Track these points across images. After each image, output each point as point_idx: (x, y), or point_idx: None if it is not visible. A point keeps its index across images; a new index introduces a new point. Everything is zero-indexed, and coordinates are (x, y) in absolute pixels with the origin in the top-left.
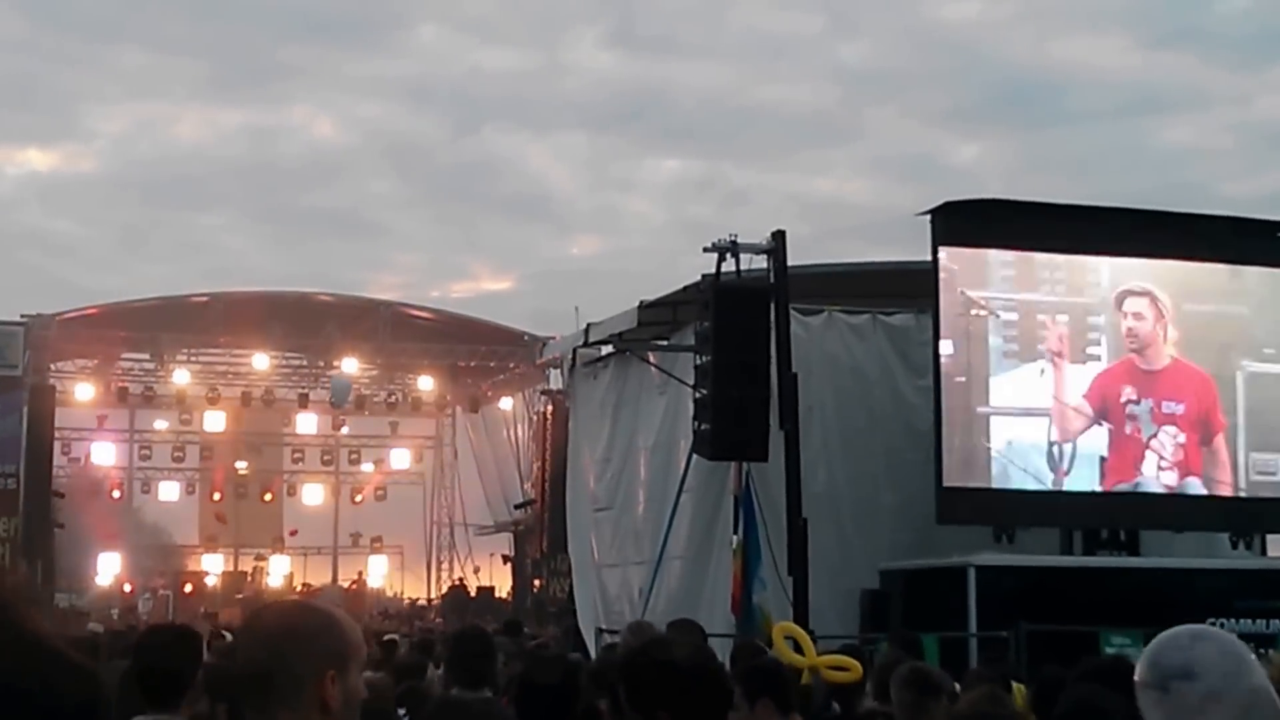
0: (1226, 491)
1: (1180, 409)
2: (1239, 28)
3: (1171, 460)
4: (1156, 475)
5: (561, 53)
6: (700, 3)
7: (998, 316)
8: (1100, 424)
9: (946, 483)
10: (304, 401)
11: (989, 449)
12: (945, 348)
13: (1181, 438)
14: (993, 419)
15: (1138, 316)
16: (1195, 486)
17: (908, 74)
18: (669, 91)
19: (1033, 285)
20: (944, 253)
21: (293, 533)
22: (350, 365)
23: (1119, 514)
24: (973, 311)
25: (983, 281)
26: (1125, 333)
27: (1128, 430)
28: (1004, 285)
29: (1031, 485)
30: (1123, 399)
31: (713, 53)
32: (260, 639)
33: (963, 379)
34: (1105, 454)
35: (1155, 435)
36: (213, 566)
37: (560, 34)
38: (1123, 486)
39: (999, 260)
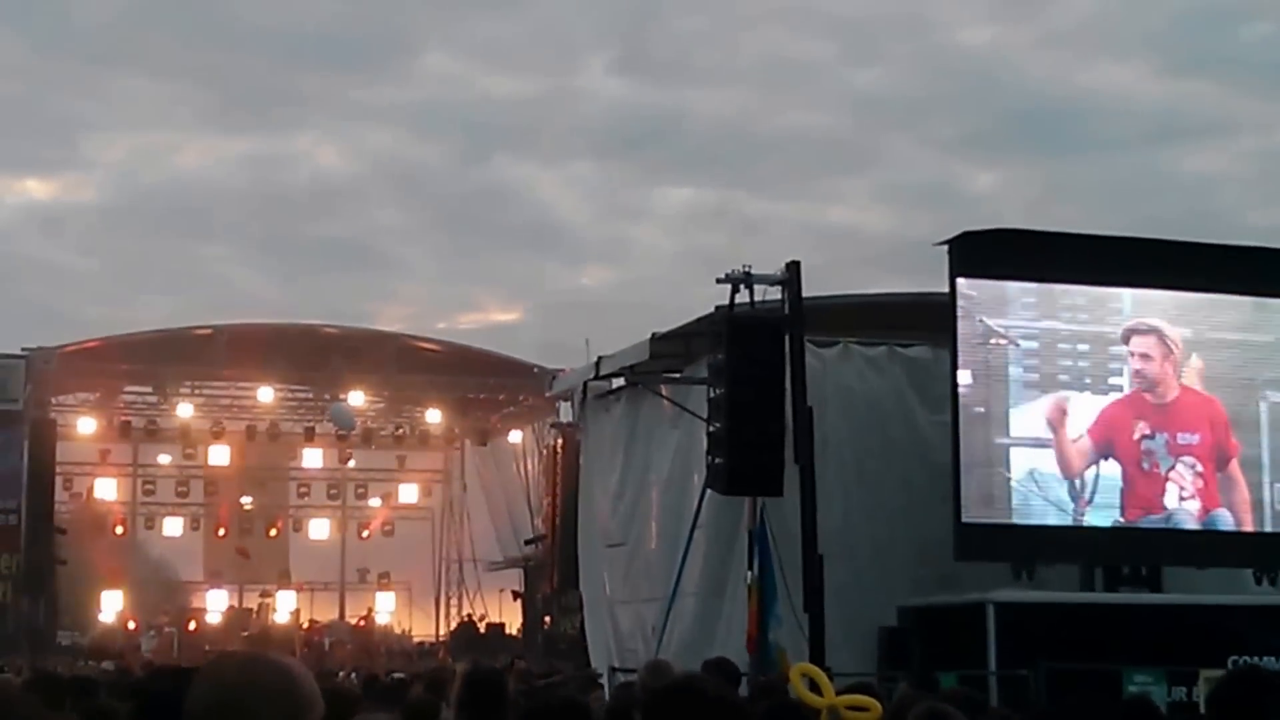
0: (1248, 516)
1: (1195, 439)
2: (1263, 55)
3: (1193, 490)
4: (1179, 506)
5: (571, 79)
6: (713, 29)
7: (1018, 346)
8: (1106, 458)
9: (965, 518)
10: (310, 435)
11: (1009, 480)
12: (964, 378)
13: (1200, 467)
14: (1013, 450)
15: (1144, 357)
16: (1225, 519)
17: (924, 100)
18: (681, 119)
19: (1053, 314)
20: (962, 281)
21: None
22: (357, 398)
23: (1141, 550)
24: (992, 341)
25: (1003, 310)
26: (1133, 373)
27: (1145, 466)
28: (1024, 313)
29: (1053, 515)
30: (1136, 434)
31: (725, 79)
32: (217, 692)
33: (982, 409)
34: (1121, 486)
35: (1173, 467)
36: (217, 603)
37: (570, 60)
38: (1153, 519)
39: (1019, 288)
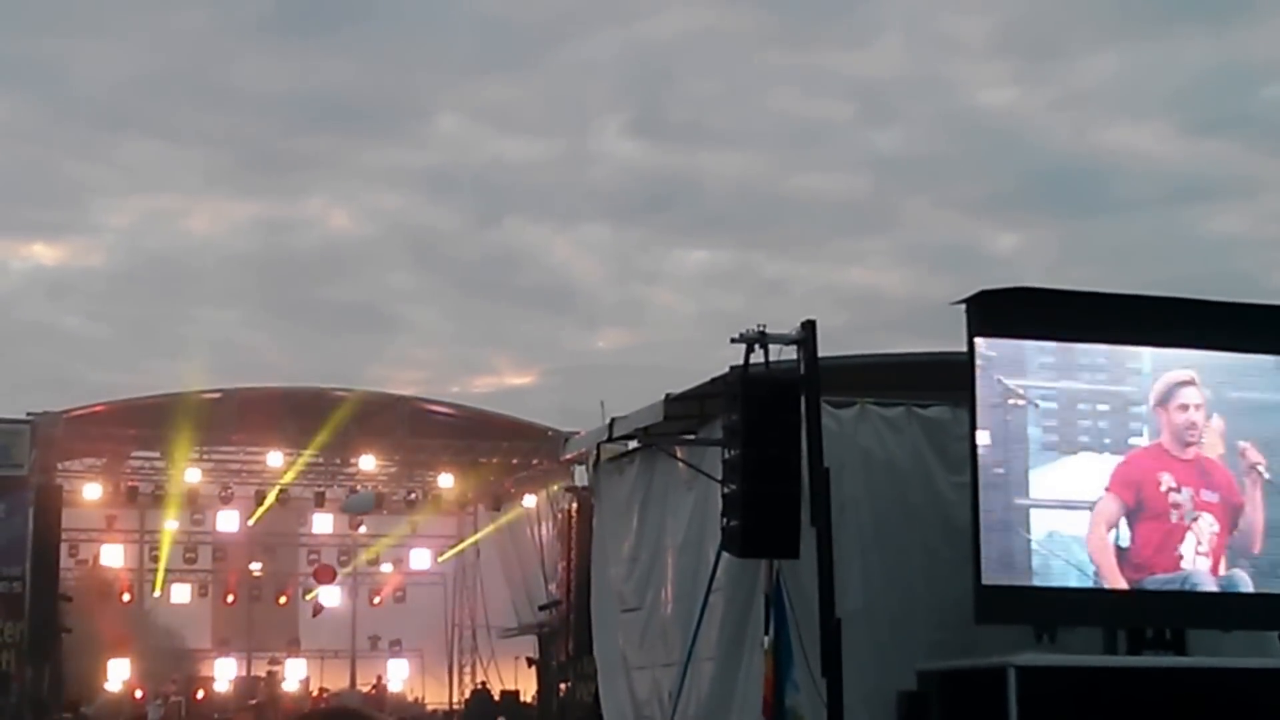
0: (1266, 578)
1: (1215, 497)
2: None
3: (1209, 547)
4: (1194, 567)
5: (585, 142)
6: (729, 89)
7: (1037, 406)
8: (1133, 512)
9: (986, 580)
10: (320, 500)
11: (1029, 541)
12: (983, 438)
13: (1217, 526)
14: (1033, 511)
15: (1198, 407)
16: (1244, 581)
17: (944, 161)
18: (697, 180)
19: (1073, 374)
20: (981, 341)
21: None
22: (368, 462)
23: (1164, 613)
24: (1010, 401)
25: (1021, 370)
26: (1186, 425)
27: (1173, 519)
28: (1043, 374)
29: (1074, 578)
30: (1163, 486)
31: (742, 140)
32: None
33: (1001, 470)
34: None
35: (1196, 520)
36: (226, 671)
37: (584, 122)
38: (1159, 578)
39: (1037, 347)
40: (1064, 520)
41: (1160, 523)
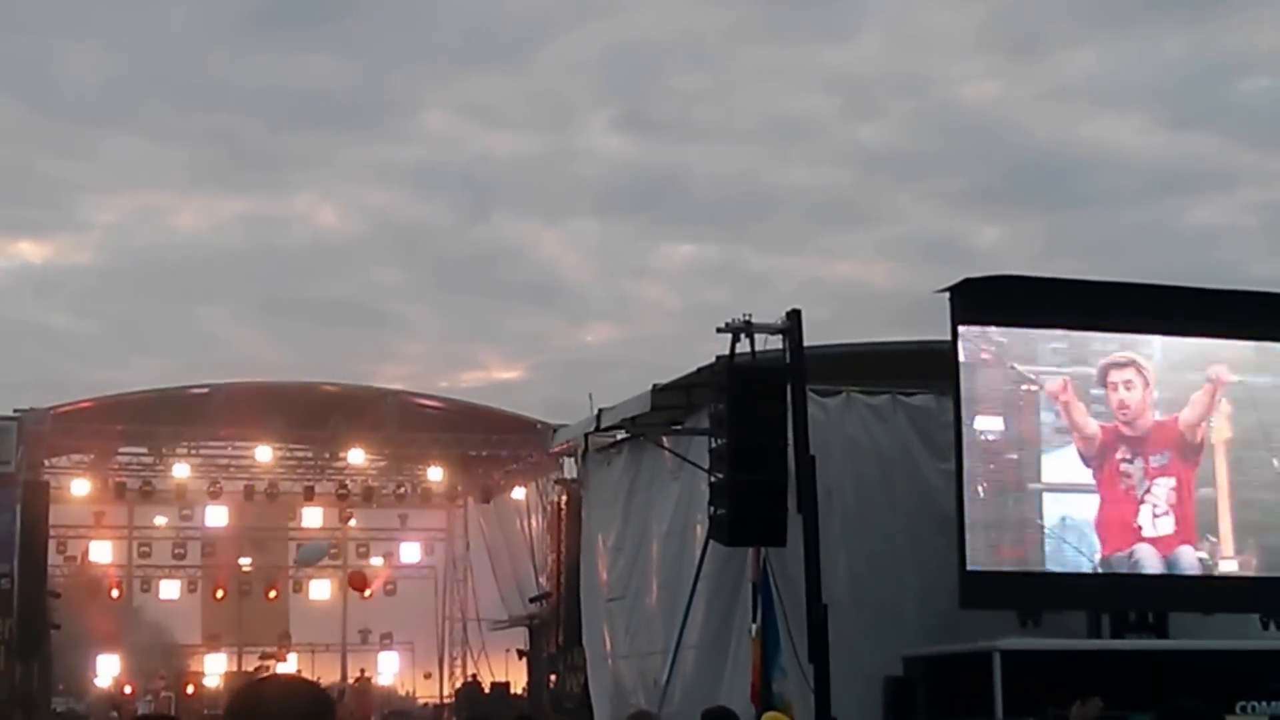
0: (1228, 547)
1: (1165, 460)
2: (1263, 106)
3: (1166, 506)
4: (1153, 523)
5: (572, 137)
6: (714, 85)
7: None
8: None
9: (996, 567)
10: (309, 494)
11: (1041, 526)
12: (995, 424)
13: (1173, 482)
14: (1045, 495)
15: (1128, 386)
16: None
17: (927, 155)
18: (683, 175)
19: (1084, 359)
20: (992, 328)
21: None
22: (357, 456)
23: (1147, 597)
24: (1023, 386)
25: (1032, 356)
26: (1116, 405)
27: (1123, 485)
28: (1054, 359)
29: (1085, 561)
30: (1117, 455)
31: (727, 136)
32: None
33: (1014, 455)
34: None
35: (1149, 490)
36: (216, 666)
37: (570, 117)
38: (1123, 553)
39: (1048, 334)
40: (1077, 504)
41: (1116, 495)
